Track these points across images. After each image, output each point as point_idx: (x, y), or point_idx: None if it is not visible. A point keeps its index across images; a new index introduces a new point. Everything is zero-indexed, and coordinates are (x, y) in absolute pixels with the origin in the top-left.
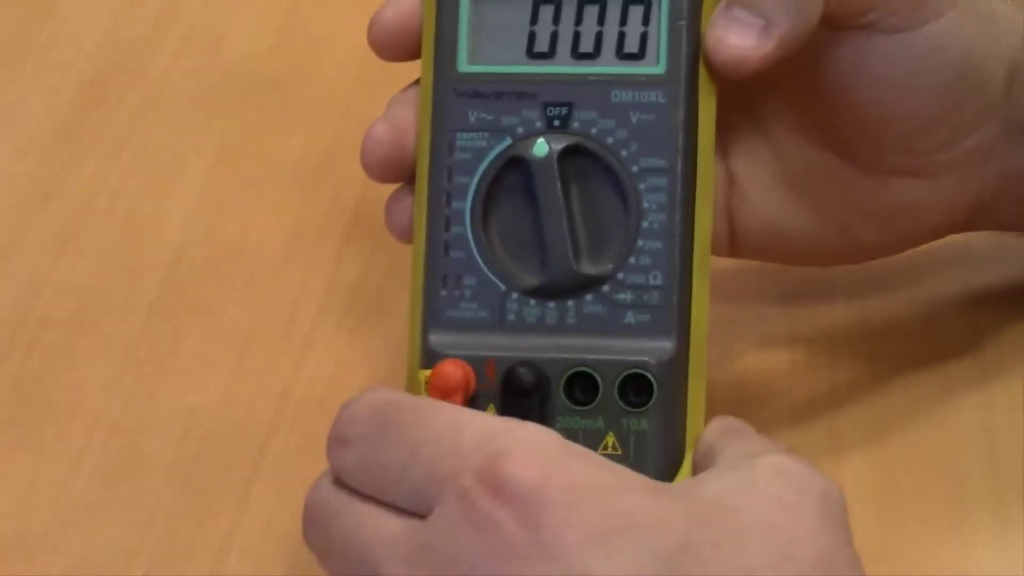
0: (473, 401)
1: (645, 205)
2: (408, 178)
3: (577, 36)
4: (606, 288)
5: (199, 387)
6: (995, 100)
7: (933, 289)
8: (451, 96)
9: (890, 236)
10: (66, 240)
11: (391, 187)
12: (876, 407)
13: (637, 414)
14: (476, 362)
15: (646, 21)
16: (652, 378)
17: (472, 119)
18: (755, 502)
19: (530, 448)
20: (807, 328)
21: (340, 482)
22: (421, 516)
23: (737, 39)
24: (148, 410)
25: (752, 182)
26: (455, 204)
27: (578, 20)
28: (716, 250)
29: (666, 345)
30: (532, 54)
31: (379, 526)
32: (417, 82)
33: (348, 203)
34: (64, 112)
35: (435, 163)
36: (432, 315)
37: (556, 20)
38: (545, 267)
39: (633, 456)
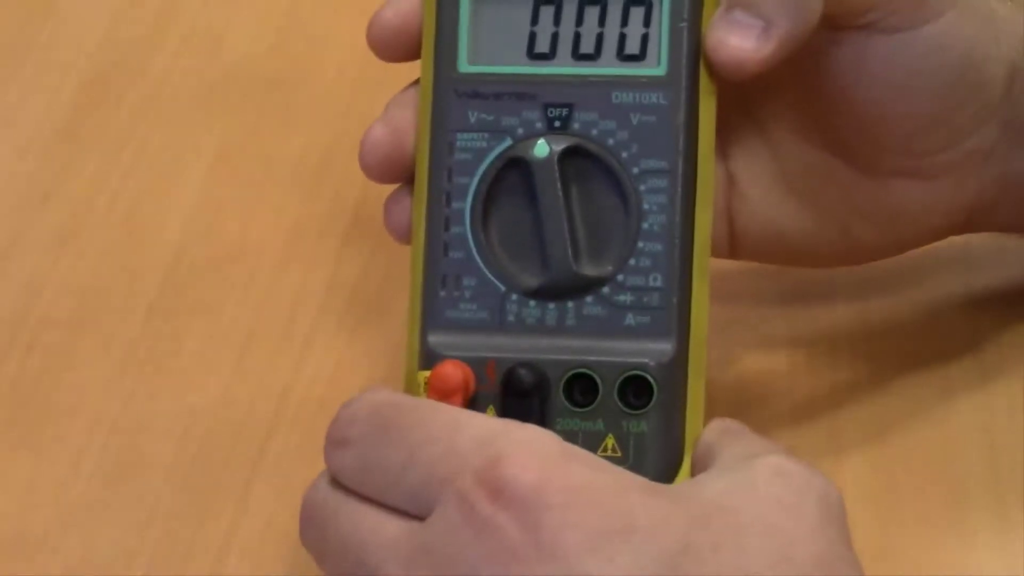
0: (473, 402)
1: (645, 207)
2: (407, 179)
3: (578, 37)
4: (606, 290)
5: (199, 387)
6: (995, 101)
7: (933, 290)
8: (451, 96)
9: (890, 237)
10: (66, 240)
11: (391, 187)
12: (876, 407)
13: (637, 416)
14: (476, 363)
15: (647, 23)
16: (652, 380)
17: (472, 119)
18: (754, 503)
19: (529, 450)
20: (807, 329)
21: (338, 483)
22: (420, 518)
23: (738, 41)
24: (148, 410)
25: (752, 183)
26: (455, 204)
27: (579, 21)
28: (716, 251)
29: (666, 347)
30: (533, 55)
31: (377, 527)
32: (416, 83)
33: (348, 203)
34: (64, 112)
35: (435, 163)
36: (431, 316)
37: (557, 21)
38: (545, 268)
39: (633, 458)
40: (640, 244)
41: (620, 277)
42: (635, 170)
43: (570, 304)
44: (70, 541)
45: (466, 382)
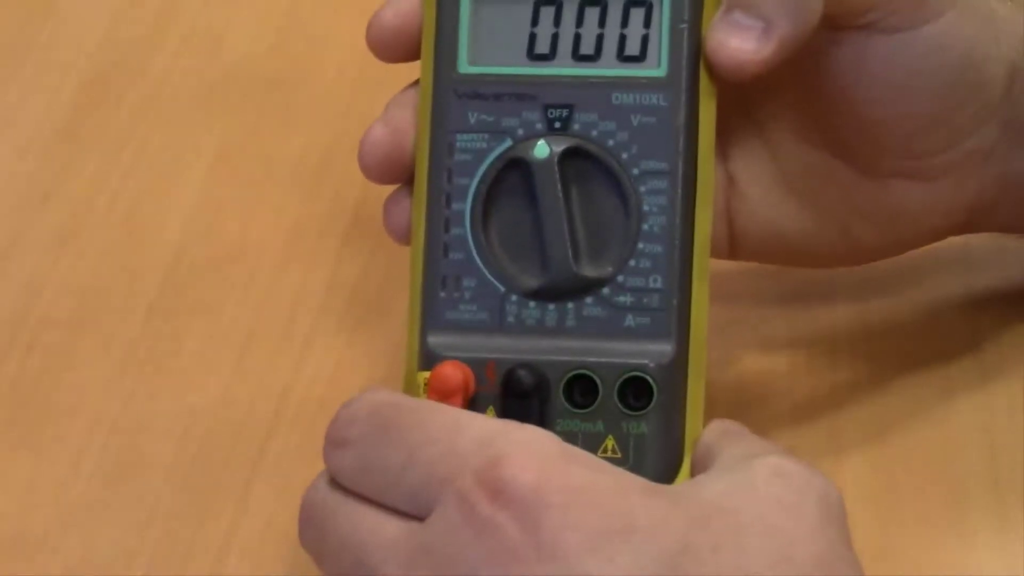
0: (473, 403)
1: (645, 208)
2: (407, 179)
3: (578, 38)
4: (606, 291)
5: (199, 387)
6: (995, 101)
7: (933, 290)
8: (451, 97)
9: (890, 238)
10: (66, 240)
11: (391, 187)
12: (876, 407)
13: (637, 417)
14: (476, 364)
15: (647, 24)
16: (652, 381)
17: (472, 120)
18: (754, 503)
19: (529, 450)
20: (807, 329)
21: (337, 483)
22: (419, 518)
23: (738, 42)
24: (148, 410)
25: (751, 184)
26: (455, 205)
27: (579, 22)
28: (715, 252)
29: (666, 348)
30: (533, 56)
31: (377, 528)
32: (415, 84)
33: (348, 203)
34: (64, 112)
35: (435, 164)
36: (431, 317)
37: (557, 22)
38: (545, 269)
39: (633, 459)
40: (640, 245)
41: (620, 278)
42: (635, 171)
43: (570, 305)
44: (70, 541)
45: (466, 383)
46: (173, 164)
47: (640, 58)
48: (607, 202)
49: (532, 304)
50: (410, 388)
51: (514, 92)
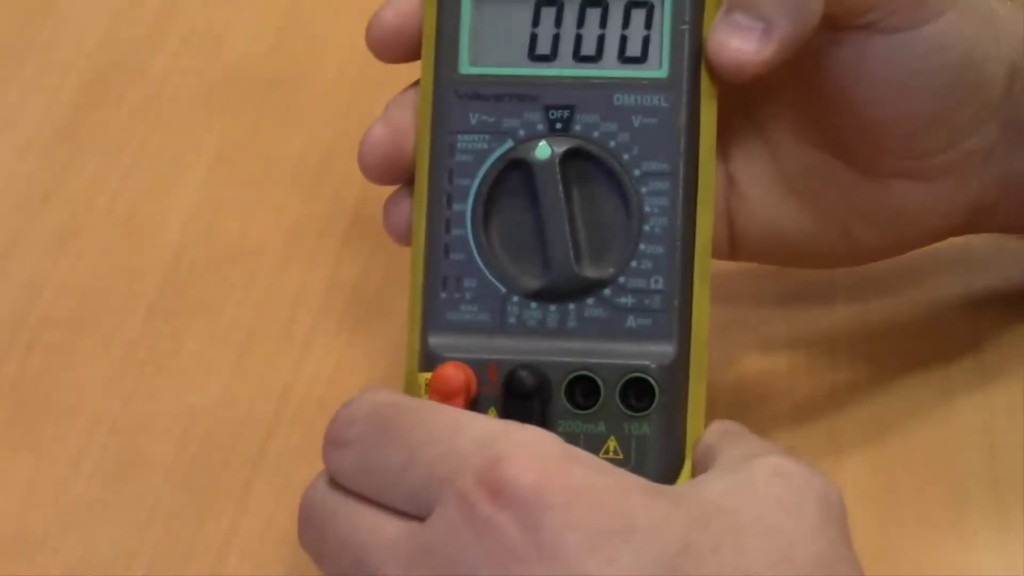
0: (474, 404)
1: (647, 209)
2: (406, 180)
3: (579, 39)
4: (607, 292)
5: (199, 387)
6: (995, 101)
7: (933, 291)
8: (452, 98)
9: (890, 238)
10: (66, 240)
11: (391, 188)
12: (876, 408)
13: (638, 418)
14: (477, 365)
15: (648, 25)
16: (653, 382)
17: (473, 121)
18: (754, 503)
19: (530, 450)
20: (807, 329)
21: (336, 483)
22: (420, 518)
23: (739, 43)
24: (148, 410)
25: (751, 184)
26: (456, 206)
27: (580, 23)
28: (716, 252)
29: (667, 349)
30: (534, 56)
31: (377, 528)
32: (415, 84)
33: (348, 203)
34: (64, 112)
35: (435, 165)
36: (432, 317)
37: (558, 23)
38: (546, 270)
39: (635, 460)
40: (641, 246)
41: (621, 279)
42: (636, 172)
43: (571, 306)
44: (70, 541)
45: (468, 384)
46: (173, 164)
47: (641, 59)
48: (608, 203)
49: (533, 305)
50: (411, 389)
51: (515, 93)
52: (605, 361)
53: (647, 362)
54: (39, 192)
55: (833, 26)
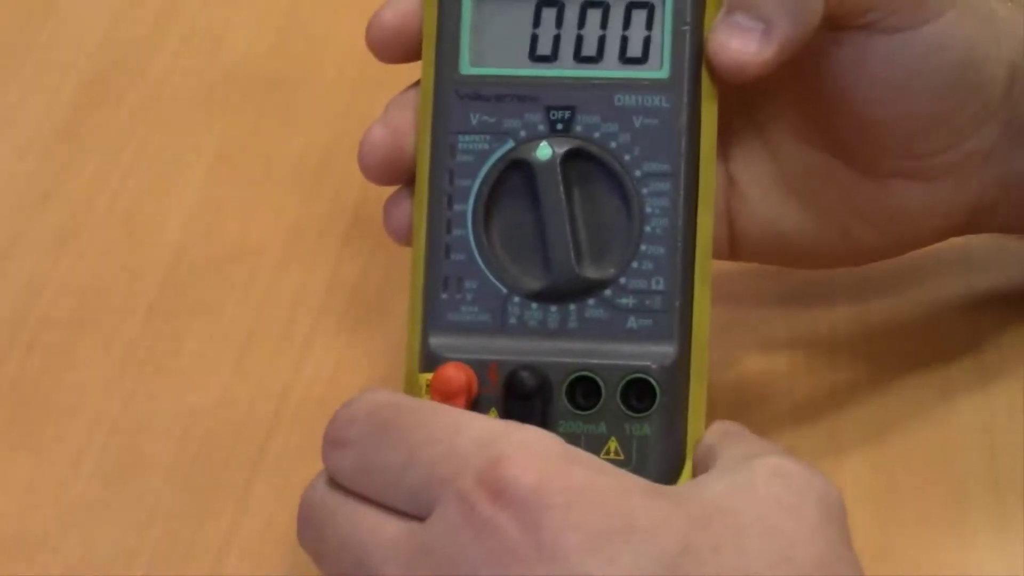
0: (475, 405)
1: (648, 210)
2: (407, 180)
3: (580, 39)
4: (608, 292)
5: (199, 387)
6: (995, 102)
7: (933, 291)
8: (453, 98)
9: (890, 238)
10: (66, 240)
11: (391, 188)
12: (876, 408)
13: (639, 419)
14: (478, 366)
15: (649, 25)
16: (654, 383)
17: (474, 121)
18: (754, 504)
19: (530, 451)
20: (807, 330)
21: (336, 483)
22: (419, 518)
23: (739, 44)
24: (148, 410)
25: (752, 185)
26: (456, 207)
27: (581, 23)
28: (716, 253)
29: (668, 350)
30: (535, 57)
31: (377, 528)
32: (415, 84)
33: (348, 203)
34: (64, 112)
35: (436, 165)
36: (432, 318)
37: (559, 23)
38: (547, 271)
39: (636, 461)
40: (642, 247)
41: (622, 280)
42: (637, 173)
43: (572, 307)
44: (70, 541)
45: (469, 385)
46: (173, 164)
47: (642, 60)
48: (609, 204)
49: (534, 305)
50: (411, 389)
51: (516, 93)
52: (606, 362)
53: (648, 363)
54: (39, 192)
55: (833, 26)
